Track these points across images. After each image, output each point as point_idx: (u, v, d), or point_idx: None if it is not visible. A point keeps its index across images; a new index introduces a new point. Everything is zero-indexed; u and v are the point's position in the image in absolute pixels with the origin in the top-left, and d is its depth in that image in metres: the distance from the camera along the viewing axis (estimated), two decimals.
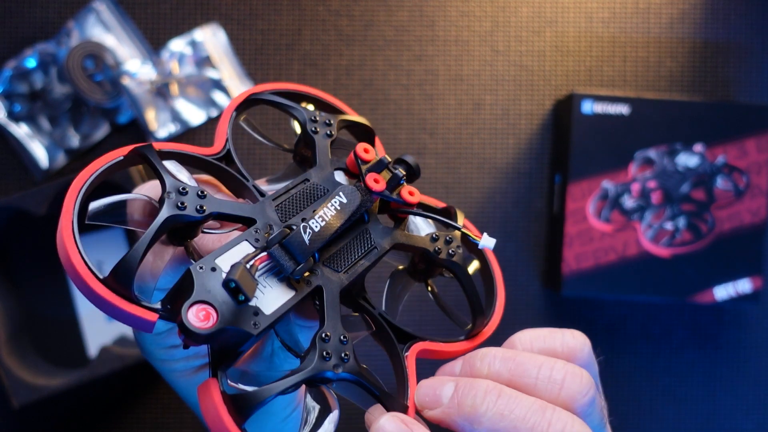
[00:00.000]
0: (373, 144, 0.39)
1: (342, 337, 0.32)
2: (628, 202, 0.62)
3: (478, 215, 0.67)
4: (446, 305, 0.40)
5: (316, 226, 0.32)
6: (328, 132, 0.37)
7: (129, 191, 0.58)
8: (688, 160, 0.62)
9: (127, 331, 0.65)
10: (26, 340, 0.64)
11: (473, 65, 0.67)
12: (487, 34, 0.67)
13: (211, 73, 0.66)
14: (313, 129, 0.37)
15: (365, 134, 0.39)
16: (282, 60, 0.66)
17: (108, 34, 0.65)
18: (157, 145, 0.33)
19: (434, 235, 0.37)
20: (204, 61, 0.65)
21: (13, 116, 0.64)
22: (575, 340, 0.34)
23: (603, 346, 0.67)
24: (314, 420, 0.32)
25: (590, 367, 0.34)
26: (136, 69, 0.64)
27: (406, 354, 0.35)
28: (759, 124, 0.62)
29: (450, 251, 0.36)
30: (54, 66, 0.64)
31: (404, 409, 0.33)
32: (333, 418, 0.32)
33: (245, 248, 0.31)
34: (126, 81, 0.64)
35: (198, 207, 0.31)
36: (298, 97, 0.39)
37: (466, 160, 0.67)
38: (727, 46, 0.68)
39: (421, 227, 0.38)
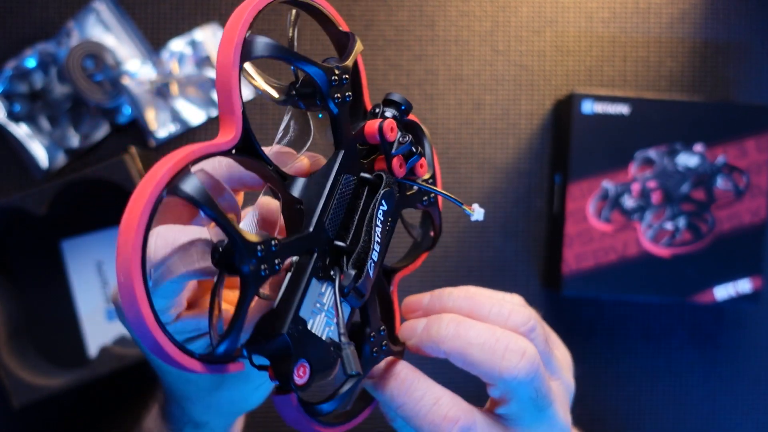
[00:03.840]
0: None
1: (381, 329, 0.36)
2: (628, 202, 0.62)
3: None
4: (408, 224, 0.43)
5: (376, 256, 0.34)
6: (348, 95, 0.34)
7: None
8: (688, 160, 0.62)
9: (127, 331, 0.65)
10: (26, 340, 0.64)
11: (473, 65, 0.67)
12: (487, 34, 0.67)
13: (211, 73, 0.66)
14: (337, 98, 0.34)
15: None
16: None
17: (108, 34, 0.65)
18: (186, 160, 0.28)
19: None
20: (204, 61, 0.65)
21: (13, 116, 0.64)
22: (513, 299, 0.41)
23: (603, 346, 0.68)
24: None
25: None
26: (136, 69, 0.64)
27: (392, 289, 0.39)
28: (759, 124, 0.62)
29: (431, 199, 0.40)
30: (54, 66, 0.64)
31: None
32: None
33: (317, 290, 0.32)
34: (126, 81, 0.64)
35: (276, 263, 0.30)
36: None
37: (466, 160, 0.67)
38: (727, 46, 0.68)
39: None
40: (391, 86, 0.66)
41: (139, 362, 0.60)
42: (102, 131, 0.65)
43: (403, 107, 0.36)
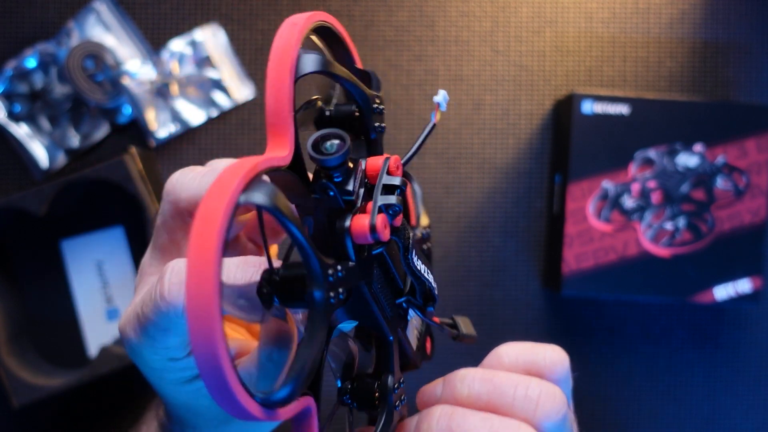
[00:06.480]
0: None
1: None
2: (628, 202, 0.62)
3: (478, 215, 0.67)
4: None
5: (434, 285, 0.34)
6: (341, 275, 0.28)
7: (129, 191, 0.58)
8: (688, 160, 0.62)
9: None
10: (26, 340, 0.64)
11: (473, 65, 0.67)
12: (487, 34, 0.67)
13: (211, 73, 0.66)
14: (337, 294, 0.27)
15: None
16: None
17: (108, 34, 0.65)
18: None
19: None
20: (204, 61, 0.65)
21: (13, 116, 0.64)
22: (556, 354, 0.35)
23: (603, 346, 0.68)
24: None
25: (566, 383, 0.35)
26: (136, 69, 0.64)
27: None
28: (759, 124, 0.62)
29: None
30: (54, 66, 0.64)
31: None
32: None
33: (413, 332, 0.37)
34: (126, 81, 0.64)
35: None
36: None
37: (466, 160, 0.67)
38: (727, 46, 0.68)
39: None
40: (391, 86, 0.66)
41: None
42: (102, 131, 0.65)
43: (338, 160, 0.28)
